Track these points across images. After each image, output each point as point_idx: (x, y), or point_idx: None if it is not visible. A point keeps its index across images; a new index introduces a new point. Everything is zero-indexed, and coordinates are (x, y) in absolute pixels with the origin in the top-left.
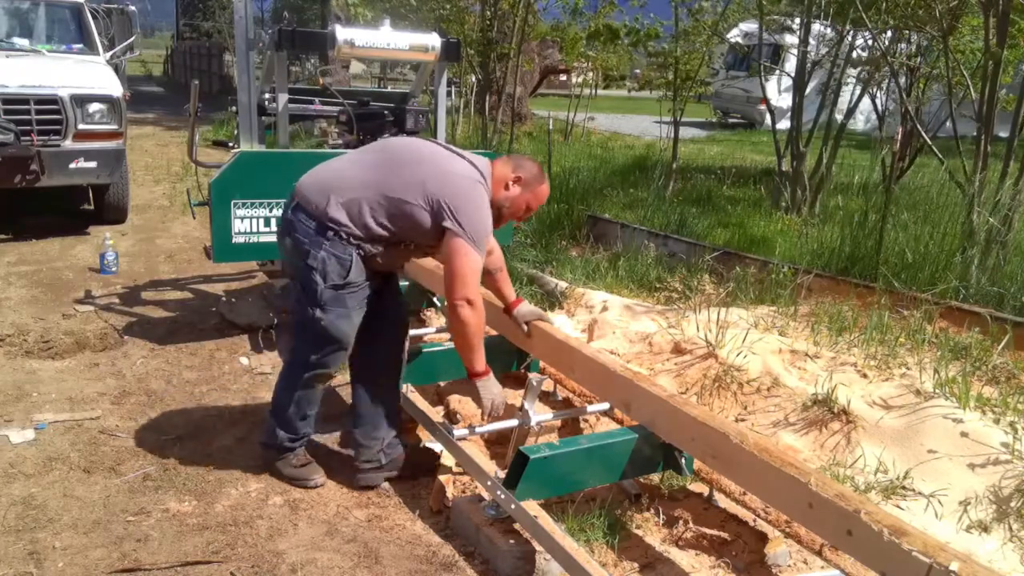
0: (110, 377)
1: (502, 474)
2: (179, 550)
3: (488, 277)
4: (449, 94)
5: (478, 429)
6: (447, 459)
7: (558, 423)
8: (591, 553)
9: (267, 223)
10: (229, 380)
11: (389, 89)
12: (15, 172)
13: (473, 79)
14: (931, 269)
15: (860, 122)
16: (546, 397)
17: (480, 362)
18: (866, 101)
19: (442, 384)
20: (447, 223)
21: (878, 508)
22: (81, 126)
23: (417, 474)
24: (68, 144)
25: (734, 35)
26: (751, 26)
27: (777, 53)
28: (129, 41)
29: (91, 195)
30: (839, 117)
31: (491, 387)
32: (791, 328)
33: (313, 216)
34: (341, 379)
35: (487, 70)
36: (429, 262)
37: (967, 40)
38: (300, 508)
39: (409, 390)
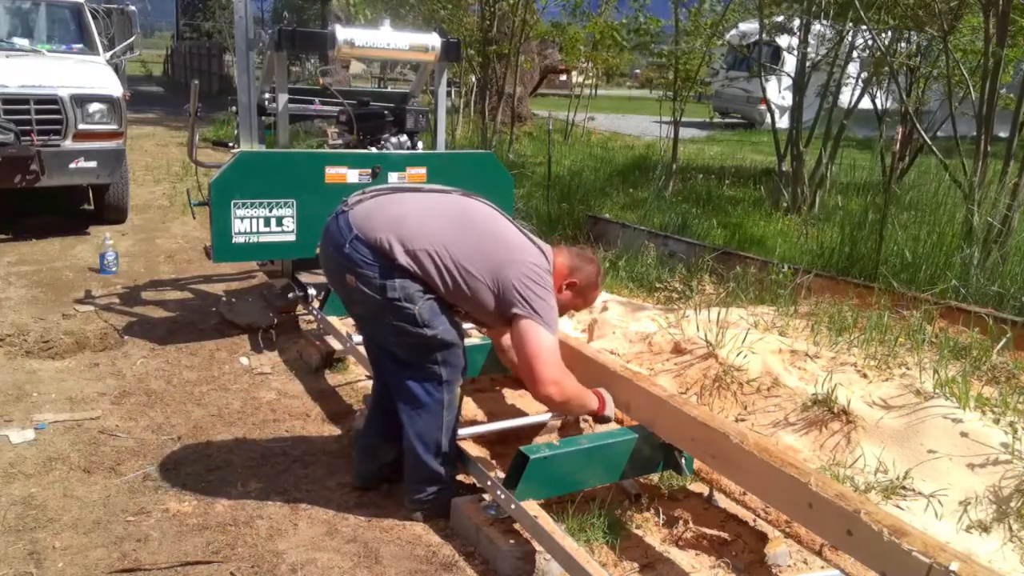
0: (110, 377)
1: (502, 474)
2: (179, 550)
3: (507, 355)
4: (449, 94)
5: (478, 429)
6: None
7: (558, 423)
8: (591, 553)
9: (267, 223)
10: (229, 380)
11: (389, 89)
12: (15, 172)
13: (473, 79)
14: (931, 269)
15: (855, 128)
16: None
17: (593, 406)
18: (863, 104)
19: None
20: (517, 309)
21: (878, 508)
22: (81, 126)
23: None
24: (68, 144)
25: (732, 34)
26: (750, 26)
27: (777, 53)
28: (129, 41)
29: (91, 195)
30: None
31: (614, 412)
32: (791, 328)
33: (377, 252)
34: (341, 378)
35: (487, 70)
36: None
37: (967, 40)
38: (300, 508)
39: None
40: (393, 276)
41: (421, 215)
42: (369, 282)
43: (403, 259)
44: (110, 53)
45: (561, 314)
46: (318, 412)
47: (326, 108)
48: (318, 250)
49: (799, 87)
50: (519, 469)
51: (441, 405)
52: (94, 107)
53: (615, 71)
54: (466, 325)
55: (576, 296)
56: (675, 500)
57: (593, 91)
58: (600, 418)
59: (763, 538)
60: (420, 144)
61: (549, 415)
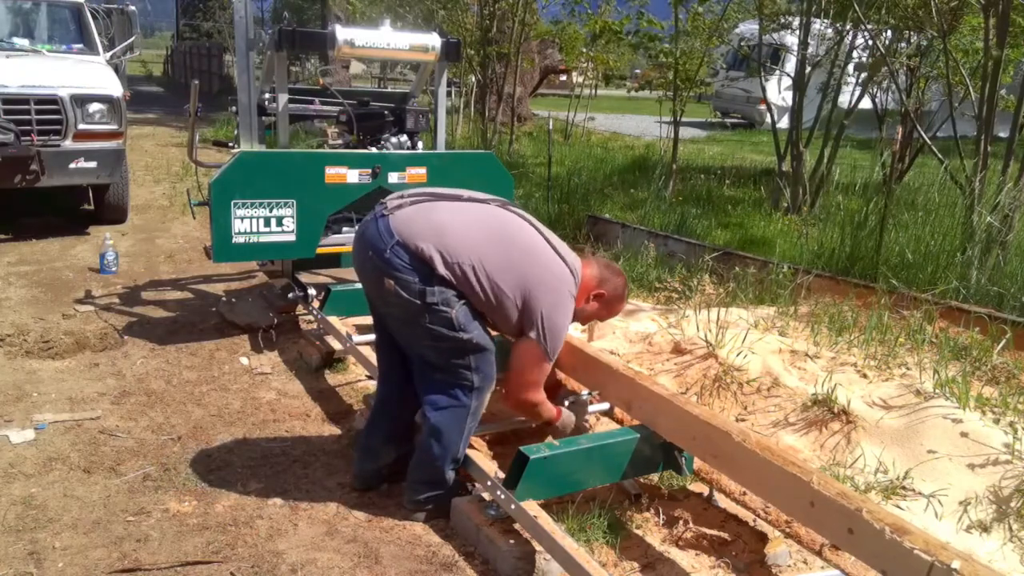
0: (110, 377)
1: (502, 474)
2: (179, 550)
3: None
4: (449, 94)
5: (478, 429)
6: None
7: None
8: (591, 553)
9: (267, 223)
10: (229, 380)
11: (389, 89)
12: (15, 172)
13: (473, 79)
14: (931, 269)
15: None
16: None
17: (550, 416)
18: (863, 104)
19: None
20: (532, 333)
21: (880, 507)
22: (81, 126)
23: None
24: (68, 144)
25: (733, 34)
26: (750, 26)
27: (777, 53)
28: (129, 41)
29: (91, 195)
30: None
31: (567, 423)
32: (791, 328)
33: (418, 260)
34: (341, 378)
35: (487, 70)
36: None
37: (967, 40)
38: (300, 508)
39: None
40: (433, 283)
41: (463, 228)
42: (409, 287)
43: (443, 271)
44: (110, 53)
45: (585, 323)
46: (318, 412)
47: (326, 108)
48: (350, 249)
49: (799, 87)
50: (519, 469)
51: (467, 411)
52: (94, 107)
53: (614, 73)
54: None
55: (602, 308)
56: (675, 500)
57: (593, 91)
58: (552, 428)
59: (763, 538)
60: (420, 144)
61: None
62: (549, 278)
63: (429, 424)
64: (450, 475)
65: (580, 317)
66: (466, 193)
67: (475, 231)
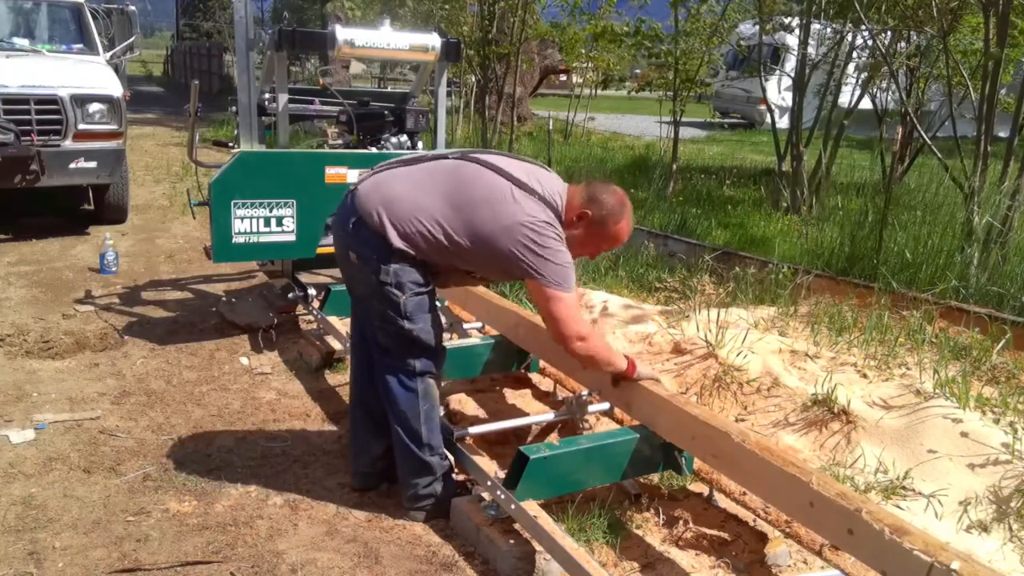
0: (110, 377)
1: (502, 474)
2: (179, 550)
3: None
4: (449, 94)
5: (478, 429)
6: None
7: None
8: (591, 553)
9: (267, 223)
10: (229, 380)
11: (389, 89)
12: (15, 172)
13: (473, 79)
14: (931, 269)
15: (855, 128)
16: (546, 397)
17: (621, 365)
18: (863, 104)
19: (443, 383)
20: (525, 276)
21: (879, 507)
22: (81, 126)
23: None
24: (68, 144)
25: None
26: (750, 26)
27: (777, 53)
28: (129, 41)
29: (91, 195)
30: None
31: (646, 376)
32: (791, 328)
33: (376, 235)
34: (341, 378)
35: (487, 70)
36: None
37: (967, 40)
38: (300, 508)
39: None
40: (391, 260)
41: (414, 193)
42: (368, 263)
43: (399, 243)
44: (110, 53)
45: (581, 253)
46: (318, 412)
47: (326, 108)
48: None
49: (799, 87)
50: (519, 469)
51: (416, 394)
52: (94, 107)
53: (614, 76)
54: (467, 325)
55: (590, 229)
56: (675, 500)
57: (593, 91)
58: (633, 376)
59: (763, 538)
60: (420, 144)
61: (552, 414)
62: (513, 219)
63: (388, 416)
64: (432, 460)
65: (576, 246)
66: (430, 153)
67: (427, 193)
